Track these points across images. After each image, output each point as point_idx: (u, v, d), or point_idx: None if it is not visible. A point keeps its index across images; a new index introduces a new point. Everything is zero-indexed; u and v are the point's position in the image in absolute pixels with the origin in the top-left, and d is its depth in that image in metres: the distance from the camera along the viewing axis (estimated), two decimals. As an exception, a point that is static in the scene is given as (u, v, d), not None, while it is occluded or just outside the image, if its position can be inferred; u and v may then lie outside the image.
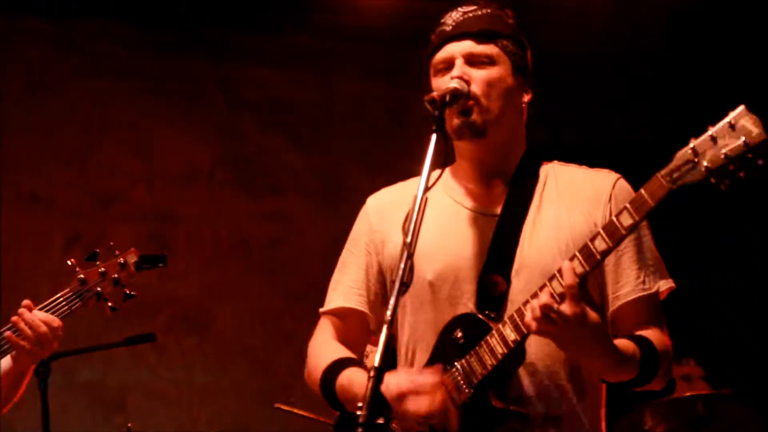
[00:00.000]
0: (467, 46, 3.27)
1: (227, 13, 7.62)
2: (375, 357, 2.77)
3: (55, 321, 3.79)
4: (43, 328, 3.77)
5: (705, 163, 2.71)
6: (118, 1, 7.45)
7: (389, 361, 2.83)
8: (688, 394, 5.91)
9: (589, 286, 3.19)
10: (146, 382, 7.38)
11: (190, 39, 7.62)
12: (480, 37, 3.28)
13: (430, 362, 3.23)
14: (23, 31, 7.35)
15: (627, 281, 3.22)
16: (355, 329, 3.46)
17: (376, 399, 2.74)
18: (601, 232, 2.92)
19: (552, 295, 2.92)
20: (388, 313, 2.83)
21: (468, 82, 3.22)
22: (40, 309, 3.80)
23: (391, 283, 3.31)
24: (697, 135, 2.75)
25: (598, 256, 2.92)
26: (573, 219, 3.13)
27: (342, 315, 3.49)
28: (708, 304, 7.80)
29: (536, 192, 3.30)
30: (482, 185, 3.35)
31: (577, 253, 2.94)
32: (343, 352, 3.41)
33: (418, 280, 3.23)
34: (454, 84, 3.19)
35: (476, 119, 3.23)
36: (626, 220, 2.89)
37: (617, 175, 3.30)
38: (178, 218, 7.55)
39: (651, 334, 3.18)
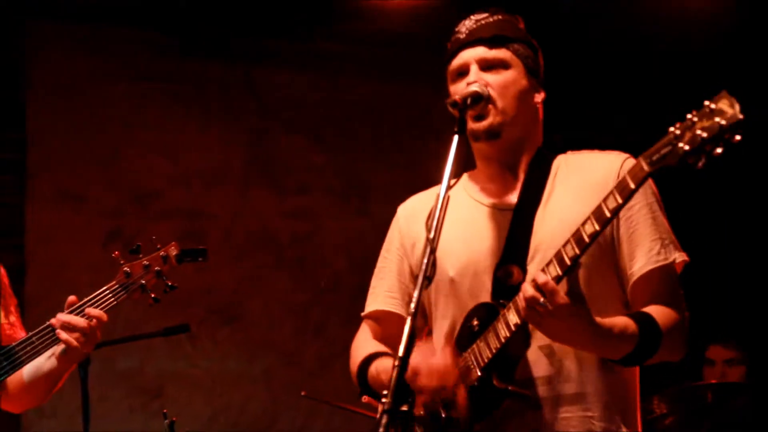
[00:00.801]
0: (480, 51, 3.29)
1: (257, 21, 7.63)
2: (399, 347, 2.78)
3: (103, 317, 3.79)
4: (93, 323, 3.77)
5: (682, 145, 2.68)
6: (155, 10, 7.46)
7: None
8: (696, 383, 5.88)
9: (600, 269, 3.17)
10: (182, 371, 7.39)
11: (222, 46, 7.63)
12: (492, 43, 3.29)
13: (453, 343, 3.25)
14: (59, 37, 7.36)
15: (640, 256, 3.19)
16: (392, 330, 3.47)
17: (401, 387, 2.75)
18: (591, 216, 2.91)
19: (537, 287, 2.91)
20: (412, 306, 2.84)
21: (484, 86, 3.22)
22: (88, 301, 3.79)
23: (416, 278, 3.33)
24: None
25: (587, 240, 2.91)
26: (583, 202, 3.10)
27: (380, 318, 3.53)
28: (754, 288, 7.76)
29: (548, 182, 3.30)
30: (498, 182, 3.36)
31: (570, 239, 2.94)
32: (378, 347, 3.45)
33: (442, 277, 3.26)
34: (475, 87, 3.20)
35: (492, 122, 3.25)
36: (611, 203, 2.88)
37: (625, 155, 3.28)
38: (210, 215, 7.55)
39: (656, 309, 3.14)
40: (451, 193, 3.25)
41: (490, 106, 3.23)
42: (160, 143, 7.52)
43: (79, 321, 3.76)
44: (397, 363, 2.76)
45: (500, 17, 3.35)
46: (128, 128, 7.46)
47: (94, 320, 3.75)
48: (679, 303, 3.21)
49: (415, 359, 3.03)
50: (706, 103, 2.68)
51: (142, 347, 6.83)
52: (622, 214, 3.17)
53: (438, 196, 2.96)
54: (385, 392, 2.74)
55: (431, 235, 2.90)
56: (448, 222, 2.99)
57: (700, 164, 2.68)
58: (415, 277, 3.38)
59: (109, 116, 7.43)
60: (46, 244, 7.23)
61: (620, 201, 2.86)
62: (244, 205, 7.64)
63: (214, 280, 7.44)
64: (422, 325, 3.46)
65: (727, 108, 2.64)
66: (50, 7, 7.29)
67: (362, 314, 3.57)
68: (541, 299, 2.89)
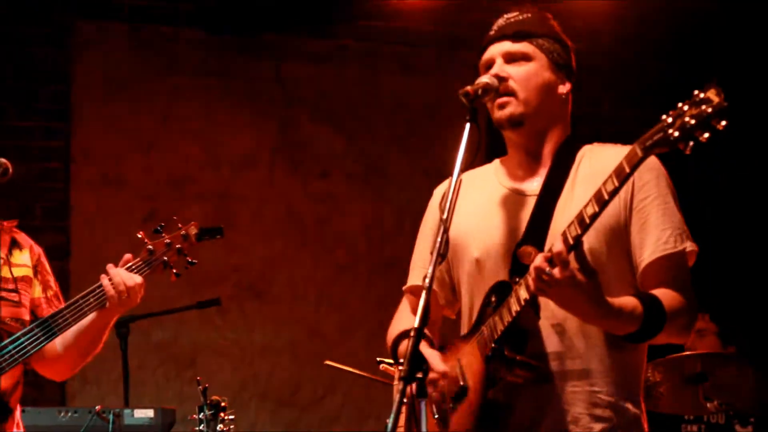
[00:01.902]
0: (505, 46, 3.27)
1: (284, 19, 7.63)
2: (415, 319, 2.79)
3: (140, 279, 3.82)
4: (132, 282, 3.79)
5: (672, 131, 2.70)
6: (189, 9, 7.47)
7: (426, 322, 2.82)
8: (687, 353, 5.87)
9: (614, 255, 3.15)
10: (213, 342, 7.41)
11: (252, 42, 7.63)
12: (515, 38, 3.27)
13: (473, 326, 3.24)
14: (102, 36, 7.38)
15: (649, 244, 3.16)
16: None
17: (416, 356, 2.75)
18: (592, 198, 2.89)
19: (546, 259, 2.90)
20: (426, 281, 2.84)
21: (506, 78, 3.22)
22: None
23: (457, 257, 3.35)
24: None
25: (588, 220, 2.88)
26: None
27: (416, 292, 3.47)
28: (728, 264, 7.71)
29: (571, 172, 3.27)
30: (526, 169, 3.33)
31: (574, 219, 2.92)
32: (412, 323, 3.44)
33: (468, 257, 3.27)
34: (485, 79, 3.20)
35: (513, 111, 3.23)
36: (609, 186, 2.86)
37: None
38: (240, 198, 7.56)
39: (663, 292, 3.10)
40: (481, 176, 3.31)
41: (508, 98, 3.22)
42: (193, 132, 7.53)
43: (130, 277, 3.79)
44: (412, 334, 2.77)
45: (529, 15, 3.33)
46: (164, 118, 7.48)
47: (132, 280, 3.79)
48: (687, 289, 3.17)
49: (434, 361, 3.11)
50: (696, 92, 2.69)
51: (176, 320, 6.85)
52: (635, 204, 3.17)
53: (450, 179, 2.97)
54: (401, 360, 2.76)
55: (444, 216, 2.91)
56: (476, 205, 3.05)
57: (688, 149, 2.69)
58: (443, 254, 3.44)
59: (146, 108, 7.45)
60: (88, 225, 7.26)
61: (616, 184, 2.85)
62: (271, 188, 7.64)
63: (242, 259, 7.46)
64: (453, 300, 3.46)
65: (713, 96, 2.65)
66: (93, 8, 7.32)
67: (403, 288, 3.56)
68: (548, 268, 2.88)
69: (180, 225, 3.92)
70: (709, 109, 2.64)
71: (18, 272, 3.92)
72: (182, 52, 7.51)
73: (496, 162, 3.43)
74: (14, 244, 3.97)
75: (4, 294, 3.86)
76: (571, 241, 2.90)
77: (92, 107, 7.33)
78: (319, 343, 7.45)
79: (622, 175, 2.84)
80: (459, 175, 2.97)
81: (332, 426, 7.58)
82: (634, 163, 2.81)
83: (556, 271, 2.87)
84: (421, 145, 7.55)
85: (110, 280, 3.79)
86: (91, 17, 7.31)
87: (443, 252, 2.88)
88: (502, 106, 3.24)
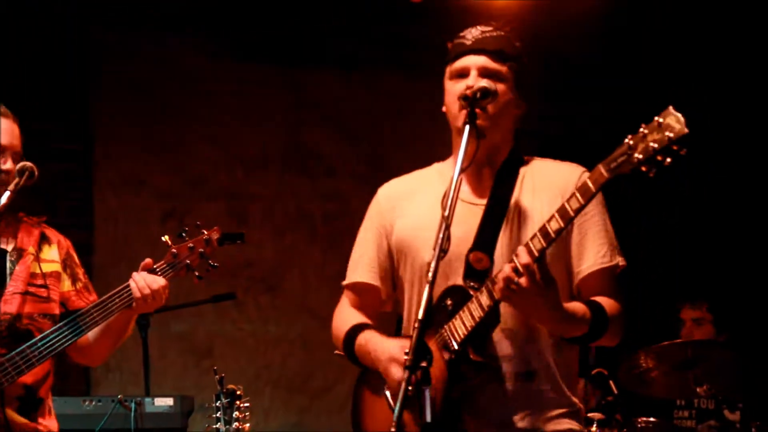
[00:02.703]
0: (483, 61, 3.29)
1: (293, 27, 7.64)
2: (420, 311, 2.79)
3: (164, 281, 3.81)
4: (157, 285, 3.78)
5: (636, 155, 2.72)
6: (207, 21, 7.48)
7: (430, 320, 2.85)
8: (678, 341, 5.87)
9: (555, 263, 3.17)
10: (229, 333, 7.41)
11: (263, 50, 7.62)
12: (495, 56, 3.29)
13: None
14: (122, 43, 7.37)
15: (588, 256, 3.25)
16: (369, 299, 3.52)
17: (420, 346, 2.75)
18: (555, 214, 2.93)
19: (514, 269, 2.94)
20: (430, 275, 2.86)
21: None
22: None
23: (402, 256, 3.40)
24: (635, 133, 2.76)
25: (553, 235, 2.93)
26: (546, 207, 3.14)
27: (359, 288, 3.54)
28: (724, 256, 7.72)
29: (516, 185, 3.30)
30: (474, 177, 3.35)
31: (537, 233, 2.95)
32: (361, 318, 3.49)
33: (417, 260, 3.32)
34: (483, 83, 3.21)
35: (482, 124, 3.21)
36: (574, 204, 2.91)
37: (582, 169, 3.30)
38: (253, 197, 7.57)
39: (604, 300, 3.21)
40: (425, 179, 3.40)
41: (482, 111, 3.22)
42: (209, 134, 7.53)
43: (154, 280, 3.79)
44: (416, 325, 2.78)
45: (503, 33, 3.34)
46: (181, 121, 7.47)
47: (156, 282, 3.78)
48: (620, 298, 3.27)
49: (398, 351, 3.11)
50: (656, 118, 2.71)
51: (194, 312, 6.85)
52: (576, 220, 3.20)
53: (452, 179, 3.00)
54: (406, 351, 2.75)
55: (446, 213, 2.92)
56: (424, 207, 3.16)
57: (651, 173, 2.73)
58: (390, 253, 3.46)
59: (164, 111, 7.45)
60: (110, 223, 7.26)
61: (582, 201, 2.89)
62: (282, 188, 7.64)
63: (256, 254, 7.46)
64: (392, 296, 3.49)
65: (674, 123, 2.68)
66: (116, 18, 7.31)
67: (343, 283, 3.59)
68: (516, 278, 2.92)
69: (203, 230, 3.90)
70: (671, 134, 2.67)
71: (47, 268, 3.92)
72: (199, 60, 7.50)
73: (438, 166, 3.49)
74: (43, 240, 3.96)
75: (33, 290, 3.86)
76: (536, 254, 2.96)
77: (114, 112, 7.32)
78: (329, 334, 7.40)
79: (587, 194, 2.88)
80: (460, 174, 3.00)
81: (341, 412, 7.56)
82: (600, 183, 2.85)
83: (524, 281, 2.93)
84: (422, 147, 7.53)
85: (136, 283, 3.78)
86: (113, 26, 7.31)
87: (445, 248, 2.90)
88: (470, 117, 3.22)
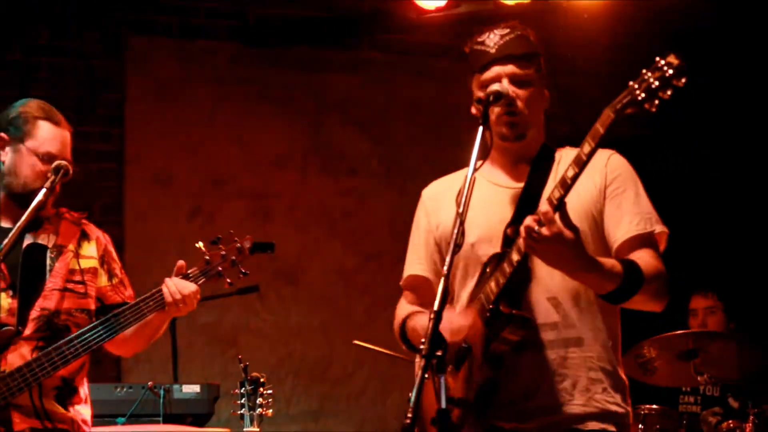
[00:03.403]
0: (511, 68, 3.28)
1: (315, 33, 7.65)
2: (435, 302, 2.79)
3: (195, 287, 3.81)
4: (188, 290, 3.78)
5: (639, 93, 2.76)
6: (230, 25, 7.48)
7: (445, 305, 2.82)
8: (680, 332, 5.85)
9: (594, 241, 3.17)
10: (253, 324, 7.41)
11: (286, 55, 7.63)
12: (521, 61, 3.28)
13: (470, 299, 3.25)
14: (153, 49, 7.39)
15: (623, 225, 3.20)
16: (424, 293, 3.48)
17: (436, 336, 2.75)
18: (572, 163, 2.92)
19: (535, 220, 2.92)
20: (445, 268, 2.86)
21: (515, 99, 3.24)
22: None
23: (445, 248, 3.32)
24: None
25: (569, 181, 2.91)
26: (579, 186, 3.07)
27: (413, 285, 3.53)
28: (733, 245, 7.68)
29: (552, 170, 3.30)
30: (511, 168, 3.36)
31: (556, 184, 2.95)
32: (414, 309, 3.46)
33: (465, 244, 3.24)
34: (496, 86, 3.21)
35: (523, 130, 3.27)
36: (586, 149, 2.90)
37: (611, 151, 3.31)
38: (276, 194, 7.57)
39: (639, 259, 3.13)
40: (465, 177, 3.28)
41: (520, 116, 3.26)
42: (234, 135, 7.53)
43: (186, 286, 3.79)
44: (432, 316, 2.77)
45: (520, 33, 3.33)
46: (208, 123, 7.48)
47: (187, 288, 3.78)
48: (659, 260, 3.20)
49: (444, 322, 3.07)
50: (657, 59, 2.75)
51: (220, 304, 6.85)
52: (609, 192, 3.23)
53: (465, 177, 2.98)
54: (422, 340, 2.75)
55: (460, 210, 2.92)
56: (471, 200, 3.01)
57: (654, 108, 2.74)
58: (438, 247, 3.45)
59: (192, 114, 7.45)
60: (140, 219, 7.27)
61: (593, 144, 2.88)
62: (304, 186, 7.64)
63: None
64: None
65: (673, 60, 2.72)
66: (145, 25, 7.34)
67: (401, 283, 3.57)
68: (536, 227, 2.90)
69: (236, 238, 3.89)
70: (670, 70, 2.71)
71: (85, 264, 3.92)
72: (224, 64, 7.51)
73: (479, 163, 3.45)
74: (83, 236, 3.96)
75: (71, 286, 3.86)
76: (555, 202, 2.93)
77: (144, 114, 7.33)
78: (348, 324, 7.44)
79: (597, 137, 2.87)
80: (473, 174, 2.99)
81: (359, 399, 7.58)
82: (607, 124, 2.85)
83: (545, 229, 2.89)
84: (437, 146, 7.54)
85: (168, 288, 3.77)
86: (143, 33, 7.33)
87: (459, 242, 2.90)
88: (512, 124, 3.27)
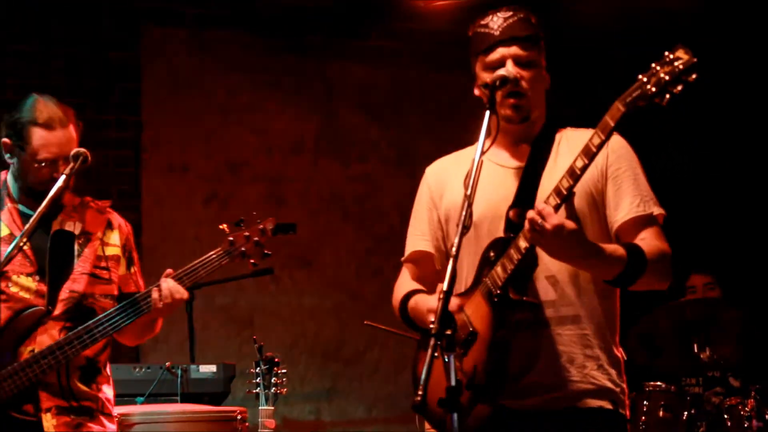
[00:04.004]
0: (515, 50, 3.24)
1: (326, 23, 7.65)
2: (444, 283, 2.77)
3: (185, 294, 3.81)
4: (176, 297, 3.78)
5: (650, 87, 2.72)
6: (244, 15, 7.47)
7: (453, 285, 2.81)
8: (683, 300, 5.86)
9: (594, 223, 3.16)
10: (268, 305, 7.42)
11: (298, 44, 7.62)
12: (525, 42, 3.24)
13: (474, 281, 3.22)
14: (172, 39, 7.38)
15: (623, 207, 3.18)
16: (425, 268, 3.45)
17: (445, 315, 2.73)
18: (580, 153, 2.90)
19: (539, 212, 2.90)
20: (453, 249, 2.82)
21: (520, 80, 3.21)
22: (199, 263, 3.80)
23: (448, 225, 3.36)
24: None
25: (578, 172, 2.90)
26: None
27: (415, 259, 3.49)
28: (727, 225, 7.68)
29: (552, 149, 3.28)
30: (513, 148, 3.33)
31: (565, 173, 2.93)
32: (414, 286, 3.43)
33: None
34: (502, 72, 3.18)
35: (527, 112, 3.25)
36: (596, 140, 2.87)
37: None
38: (290, 180, 7.56)
39: (642, 242, 3.12)
40: (468, 156, 3.24)
41: (524, 97, 3.22)
42: (248, 122, 7.53)
43: (179, 290, 3.77)
44: (441, 296, 2.75)
45: (523, 15, 3.29)
46: (222, 111, 7.48)
47: (175, 295, 3.76)
48: (661, 240, 3.18)
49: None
50: (666, 53, 2.72)
51: (235, 286, 6.87)
52: (610, 173, 3.19)
53: (473, 160, 2.95)
54: (432, 319, 2.73)
55: (468, 192, 2.90)
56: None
57: (665, 102, 2.71)
58: (440, 223, 3.41)
59: (206, 102, 7.45)
60: (157, 205, 7.28)
61: (602, 137, 2.86)
62: (316, 171, 7.64)
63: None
64: (444, 264, 3.44)
65: (683, 55, 2.69)
66: (160, 16, 7.33)
67: (402, 259, 3.53)
68: (539, 220, 2.88)
69: (258, 220, 3.87)
70: (681, 66, 2.67)
71: (109, 251, 3.94)
72: (238, 53, 7.50)
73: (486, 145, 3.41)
74: (108, 225, 3.98)
75: (97, 272, 3.89)
76: (564, 192, 2.92)
77: (160, 102, 7.33)
78: (360, 305, 7.45)
79: (607, 129, 2.85)
80: (480, 156, 2.96)
81: (371, 377, 7.59)
82: (617, 117, 2.82)
83: (546, 224, 2.88)
84: (445, 131, 7.52)
85: (159, 292, 3.77)
86: (158, 24, 7.32)
87: (468, 224, 2.87)
88: (517, 106, 3.24)
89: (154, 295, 3.75)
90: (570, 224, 2.91)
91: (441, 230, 3.42)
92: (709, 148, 7.75)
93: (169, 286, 3.76)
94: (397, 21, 7.72)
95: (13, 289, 3.76)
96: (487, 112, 3.05)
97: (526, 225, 2.94)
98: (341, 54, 7.73)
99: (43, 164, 3.76)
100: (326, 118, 7.70)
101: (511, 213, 3.14)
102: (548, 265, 3.13)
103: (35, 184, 3.80)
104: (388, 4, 7.51)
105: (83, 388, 3.82)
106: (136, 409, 4.95)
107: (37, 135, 3.77)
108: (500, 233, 3.17)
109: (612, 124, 2.82)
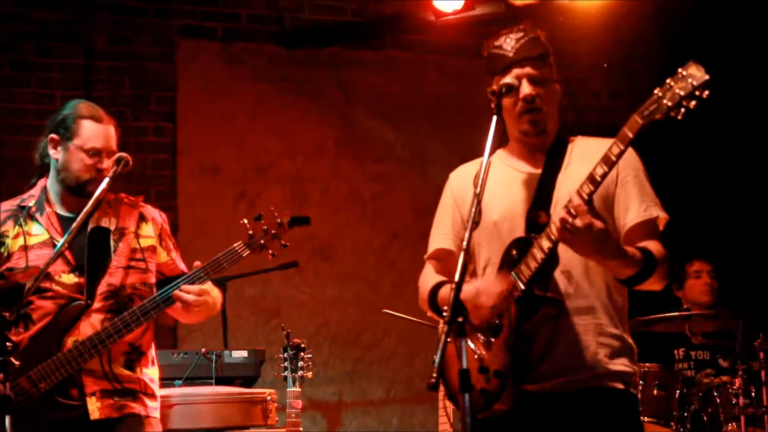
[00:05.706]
0: (528, 70, 3.25)
1: (344, 35, 7.67)
2: (456, 274, 2.79)
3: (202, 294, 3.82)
4: (191, 298, 3.79)
5: (666, 102, 2.72)
6: (269, 29, 7.49)
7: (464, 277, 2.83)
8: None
9: (606, 216, 3.15)
10: (293, 296, 7.44)
11: (319, 55, 7.63)
12: (538, 62, 3.26)
13: (498, 271, 3.24)
14: (201, 51, 7.40)
15: (632, 210, 3.21)
16: (448, 265, 3.43)
17: (457, 304, 2.75)
18: (600, 161, 2.91)
19: (568, 212, 2.92)
20: (464, 243, 2.86)
21: (535, 97, 3.23)
22: (222, 256, 3.80)
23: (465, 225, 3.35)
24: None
25: (599, 179, 2.91)
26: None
27: (438, 256, 3.49)
28: (718, 215, 7.65)
29: (566, 156, 3.30)
30: (528, 157, 3.35)
31: (586, 179, 2.94)
32: (440, 278, 3.43)
33: (487, 221, 3.25)
34: (508, 80, 3.19)
35: (543, 126, 3.27)
36: (615, 150, 2.88)
37: None
38: (312, 180, 7.58)
39: (650, 245, 3.16)
40: (494, 166, 3.27)
41: (541, 113, 3.24)
42: (274, 127, 7.54)
43: (186, 293, 3.78)
44: (453, 286, 2.77)
45: (533, 35, 3.29)
46: (250, 117, 7.49)
47: (192, 296, 3.77)
48: (662, 246, 3.21)
49: (479, 284, 3.09)
50: (679, 70, 2.72)
51: (264, 279, 6.88)
52: (620, 179, 3.22)
53: (481, 163, 2.98)
54: (445, 308, 2.75)
55: (477, 190, 2.92)
56: (492, 183, 3.04)
57: (680, 116, 2.71)
58: (463, 223, 3.40)
59: (236, 109, 7.47)
60: (191, 204, 7.30)
61: (622, 147, 2.87)
62: (336, 172, 7.65)
63: (315, 229, 7.39)
64: (469, 263, 3.43)
65: (695, 72, 2.69)
66: (193, 30, 7.35)
67: (425, 256, 3.54)
68: (570, 219, 2.90)
69: (276, 214, 3.89)
70: (695, 82, 2.67)
71: (144, 243, 3.96)
72: (264, 64, 7.51)
73: (500, 152, 3.43)
74: (141, 219, 4.00)
75: (133, 263, 3.91)
76: (585, 197, 2.93)
77: (193, 109, 7.36)
78: (377, 296, 7.46)
79: (626, 140, 2.86)
80: (488, 158, 2.98)
81: (389, 362, 7.60)
82: (636, 130, 2.82)
83: (578, 221, 2.90)
84: (455, 135, 7.52)
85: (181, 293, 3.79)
86: (191, 37, 7.35)
87: (477, 220, 2.91)
88: (534, 122, 3.26)
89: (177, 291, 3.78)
90: (599, 223, 2.93)
91: (463, 230, 3.40)
92: (709, 147, 7.71)
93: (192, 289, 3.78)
94: (410, 33, 7.72)
95: (57, 287, 3.81)
96: (495, 118, 3.07)
97: (552, 226, 2.97)
98: (359, 64, 7.74)
99: (91, 153, 3.81)
100: (345, 123, 7.71)
101: (531, 215, 3.18)
102: (564, 259, 3.15)
103: (80, 173, 3.83)
104: (402, 18, 7.50)
105: (125, 372, 3.86)
106: (174, 392, 4.97)
107: (87, 126, 3.85)
108: (519, 231, 3.21)
109: (631, 135, 2.83)
